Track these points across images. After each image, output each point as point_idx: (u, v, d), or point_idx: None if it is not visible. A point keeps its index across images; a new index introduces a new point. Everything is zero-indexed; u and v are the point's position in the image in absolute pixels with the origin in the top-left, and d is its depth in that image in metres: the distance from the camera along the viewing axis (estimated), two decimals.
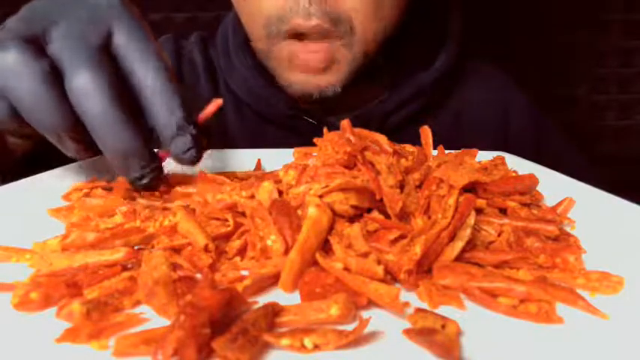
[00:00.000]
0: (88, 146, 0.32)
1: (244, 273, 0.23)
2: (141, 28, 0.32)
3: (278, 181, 0.30)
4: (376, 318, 0.19)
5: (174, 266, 0.23)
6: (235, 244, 0.25)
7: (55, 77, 0.29)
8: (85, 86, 0.29)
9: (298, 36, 0.49)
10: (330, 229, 0.25)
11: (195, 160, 0.32)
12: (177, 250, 0.25)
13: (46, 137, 0.31)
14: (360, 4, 0.48)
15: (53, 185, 0.36)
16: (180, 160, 0.32)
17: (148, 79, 0.31)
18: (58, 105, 0.29)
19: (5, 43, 0.29)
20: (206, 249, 0.24)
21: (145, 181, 0.32)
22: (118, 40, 0.32)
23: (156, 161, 0.32)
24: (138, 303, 0.21)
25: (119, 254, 0.24)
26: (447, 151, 0.40)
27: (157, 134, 0.33)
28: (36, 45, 0.29)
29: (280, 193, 0.28)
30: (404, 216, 0.27)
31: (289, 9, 0.47)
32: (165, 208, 0.29)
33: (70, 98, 0.29)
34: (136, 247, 0.26)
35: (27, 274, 0.23)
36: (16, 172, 0.38)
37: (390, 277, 0.22)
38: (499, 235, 0.27)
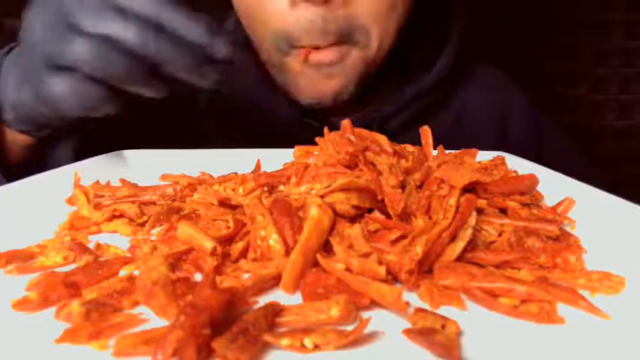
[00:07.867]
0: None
1: (246, 276, 0.23)
2: None
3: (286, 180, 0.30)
4: (376, 318, 0.19)
5: (173, 267, 0.23)
6: (239, 245, 0.25)
7: None
8: None
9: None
10: (331, 229, 0.25)
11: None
12: (181, 257, 0.24)
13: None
14: (374, 13, 0.48)
15: (54, 186, 0.36)
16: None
17: None
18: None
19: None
20: (213, 252, 0.23)
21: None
22: None
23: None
24: (137, 303, 0.21)
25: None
26: (447, 151, 0.40)
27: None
28: None
29: (272, 189, 0.28)
30: (405, 216, 0.27)
31: (301, 27, 0.47)
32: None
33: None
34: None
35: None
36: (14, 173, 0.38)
37: (391, 277, 0.22)
38: (500, 236, 0.27)
